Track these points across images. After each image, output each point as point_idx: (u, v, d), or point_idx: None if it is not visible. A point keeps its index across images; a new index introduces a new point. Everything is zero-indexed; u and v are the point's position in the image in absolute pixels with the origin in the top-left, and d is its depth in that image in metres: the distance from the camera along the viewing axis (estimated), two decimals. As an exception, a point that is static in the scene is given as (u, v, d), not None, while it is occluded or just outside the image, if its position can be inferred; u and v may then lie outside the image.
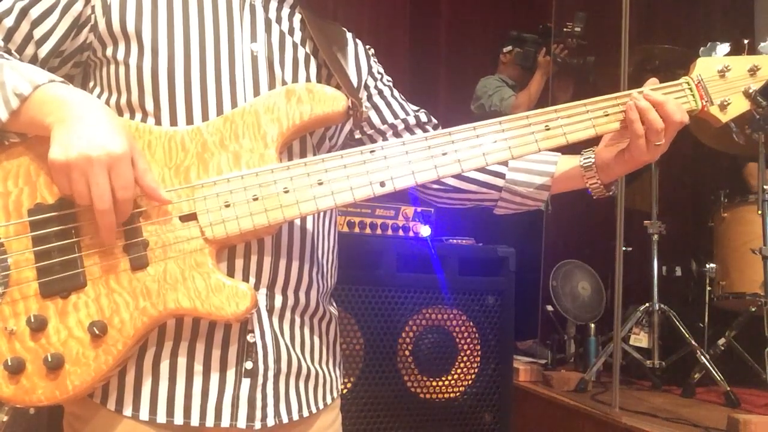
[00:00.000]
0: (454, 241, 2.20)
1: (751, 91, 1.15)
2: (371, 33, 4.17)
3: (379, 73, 1.29)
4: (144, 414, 0.99)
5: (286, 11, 1.17)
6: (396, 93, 1.30)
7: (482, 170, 1.23)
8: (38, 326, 0.92)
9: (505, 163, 1.22)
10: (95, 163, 0.88)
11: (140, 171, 0.93)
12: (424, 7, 4.46)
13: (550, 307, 3.26)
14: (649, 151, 1.10)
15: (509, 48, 3.88)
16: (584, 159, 1.18)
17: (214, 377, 1.01)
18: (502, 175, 1.24)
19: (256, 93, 1.06)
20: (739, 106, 1.15)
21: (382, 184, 1.01)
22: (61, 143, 0.89)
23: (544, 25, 3.74)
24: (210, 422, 1.00)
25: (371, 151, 1.02)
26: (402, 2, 4.41)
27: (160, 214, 0.97)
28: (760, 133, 2.60)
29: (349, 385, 1.89)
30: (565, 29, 3.60)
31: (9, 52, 1.02)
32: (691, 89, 1.14)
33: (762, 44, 1.18)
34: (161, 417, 1.00)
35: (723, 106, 1.15)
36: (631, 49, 2.32)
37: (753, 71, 1.15)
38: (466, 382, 2.04)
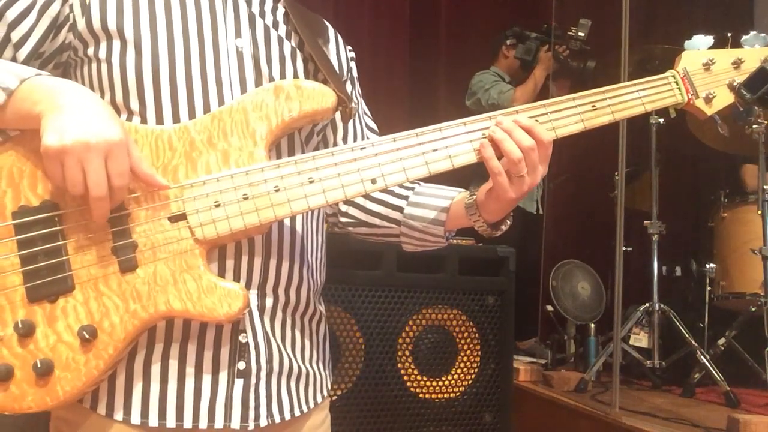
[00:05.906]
0: (454, 241, 2.18)
1: (735, 83, 1.15)
2: (371, 34, 4.15)
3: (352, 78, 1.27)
4: (135, 418, 0.98)
5: (269, 5, 1.15)
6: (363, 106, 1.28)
7: (384, 204, 1.19)
8: (26, 332, 0.90)
9: (406, 198, 1.18)
10: (93, 150, 0.87)
11: (135, 159, 0.92)
12: (424, 7, 4.45)
13: (550, 307, 3.25)
14: (513, 186, 1.01)
15: (513, 41, 3.85)
16: (468, 197, 1.10)
17: (207, 378, 1.00)
18: (400, 209, 1.19)
19: (243, 90, 1.05)
20: (724, 98, 1.15)
21: (374, 181, 1.00)
22: (55, 130, 0.87)
23: (548, 25, 3.72)
24: (203, 424, 0.99)
25: (362, 148, 1.00)
26: (402, 2, 4.39)
27: (149, 215, 0.95)
28: (759, 131, 2.59)
29: (349, 385, 1.88)
30: (568, 32, 3.58)
31: None
32: (677, 82, 1.14)
33: (744, 37, 1.19)
34: (153, 420, 0.98)
35: (708, 99, 1.15)
36: (631, 49, 2.31)
37: (737, 64, 1.15)
38: (466, 382, 2.03)
